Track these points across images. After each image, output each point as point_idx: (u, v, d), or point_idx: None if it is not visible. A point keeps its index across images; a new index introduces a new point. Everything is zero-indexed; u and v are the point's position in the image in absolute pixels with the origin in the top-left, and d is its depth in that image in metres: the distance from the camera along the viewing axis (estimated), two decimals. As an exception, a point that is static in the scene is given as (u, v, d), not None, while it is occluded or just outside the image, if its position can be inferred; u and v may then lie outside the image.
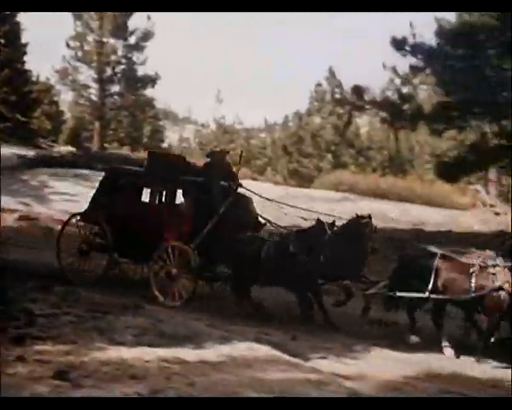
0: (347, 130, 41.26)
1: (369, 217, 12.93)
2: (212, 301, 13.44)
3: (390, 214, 21.46)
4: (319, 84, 45.80)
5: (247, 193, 14.75)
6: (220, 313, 12.48)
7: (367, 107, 24.64)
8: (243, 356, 9.06)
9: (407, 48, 22.04)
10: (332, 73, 41.60)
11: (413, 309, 12.07)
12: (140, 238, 13.69)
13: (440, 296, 11.63)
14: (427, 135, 28.26)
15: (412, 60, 22.49)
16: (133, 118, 46.13)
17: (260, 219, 14.62)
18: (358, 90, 23.54)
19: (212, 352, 9.14)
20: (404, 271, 12.27)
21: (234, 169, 14.94)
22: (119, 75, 42.59)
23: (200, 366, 8.33)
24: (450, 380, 9.87)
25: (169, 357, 8.51)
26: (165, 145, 49.19)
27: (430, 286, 11.57)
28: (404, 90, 23.68)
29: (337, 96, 35.85)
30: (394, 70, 23.18)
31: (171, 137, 55.11)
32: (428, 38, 21.75)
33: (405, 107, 23.11)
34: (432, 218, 25.71)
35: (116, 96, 43.48)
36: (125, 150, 40.86)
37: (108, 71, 42.30)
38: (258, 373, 8.28)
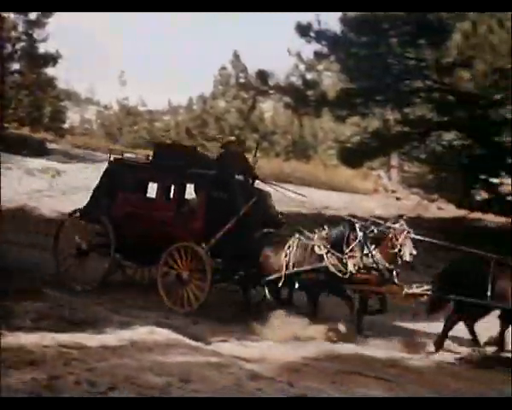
0: (251, 114, 41.33)
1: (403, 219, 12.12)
2: (115, 286, 13.13)
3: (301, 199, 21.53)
4: (224, 68, 45.75)
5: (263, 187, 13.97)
6: (122, 298, 12.36)
7: (271, 92, 24.67)
8: (144, 340, 9.03)
9: (312, 34, 22.08)
10: (237, 57, 41.70)
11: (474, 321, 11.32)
12: (146, 238, 12.64)
13: (500, 305, 10.88)
14: (331, 121, 28.54)
15: (317, 46, 22.61)
16: (34, 97, 45.04)
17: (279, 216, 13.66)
18: (263, 75, 23.50)
19: (113, 337, 9.09)
20: (454, 277, 11.37)
21: (250, 161, 13.96)
22: (19, 52, 41.51)
23: (101, 351, 8.26)
24: (350, 360, 10.04)
25: (69, 342, 8.39)
26: (66, 126, 48.25)
27: (489, 293, 10.72)
28: (309, 76, 23.75)
29: (241, 80, 36.02)
30: (299, 56, 23.26)
31: (73, 118, 54.08)
32: (333, 24, 21.91)
33: (309, 93, 23.19)
34: (335, 202, 25.97)
35: (16, 75, 42.38)
36: (26, 131, 39.91)
37: (9, 47, 41.17)
38: (159, 357, 8.27)
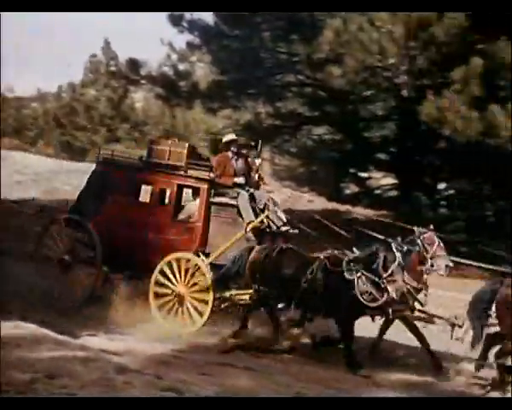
0: (122, 104, 40.83)
1: (432, 229, 10.89)
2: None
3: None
4: (94, 56, 44.87)
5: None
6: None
7: (143, 82, 24.38)
8: (9, 335, 8.72)
9: (184, 24, 21.99)
10: (107, 44, 40.94)
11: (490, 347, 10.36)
12: (137, 248, 11.46)
13: None
14: (203, 113, 28.53)
15: (189, 36, 22.52)
16: None
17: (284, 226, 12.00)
18: (134, 64, 23.20)
19: (-23, 332, 8.74)
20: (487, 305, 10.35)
21: (255, 163, 12.58)
22: None
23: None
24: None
25: None
26: None
27: None
28: (181, 66, 23.61)
29: (112, 68, 35.39)
30: (171, 46, 23.04)
31: None
32: (206, 15, 21.85)
33: (181, 83, 23.07)
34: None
35: None
36: None
37: None
38: (25, 353, 8.00)
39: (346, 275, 10.30)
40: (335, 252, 10.76)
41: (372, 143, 22.18)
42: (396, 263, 9.99)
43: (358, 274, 10.23)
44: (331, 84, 19.78)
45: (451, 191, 21.55)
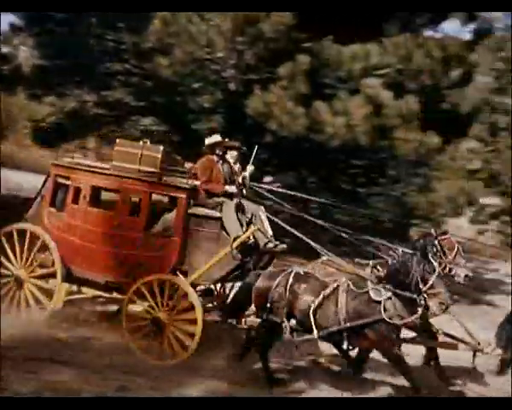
0: None
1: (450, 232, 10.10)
2: None
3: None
4: None
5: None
6: None
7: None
8: None
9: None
10: None
11: None
12: (103, 265, 10.30)
13: None
14: (26, 99, 27.76)
15: (12, 18, 21.81)
16: None
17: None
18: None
19: None
20: None
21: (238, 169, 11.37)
22: None
23: None
24: (40, 346, 9.83)
25: None
26: None
27: None
28: (4, 49, 22.78)
29: None
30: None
31: None
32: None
33: (4, 67, 22.31)
34: (31, 184, 25.35)
35: None
36: None
37: None
38: None
39: (373, 295, 9.36)
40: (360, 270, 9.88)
41: (200, 136, 22.26)
42: (436, 273, 9.09)
43: (388, 293, 9.31)
44: (159, 75, 19.67)
45: (278, 184, 21.95)
